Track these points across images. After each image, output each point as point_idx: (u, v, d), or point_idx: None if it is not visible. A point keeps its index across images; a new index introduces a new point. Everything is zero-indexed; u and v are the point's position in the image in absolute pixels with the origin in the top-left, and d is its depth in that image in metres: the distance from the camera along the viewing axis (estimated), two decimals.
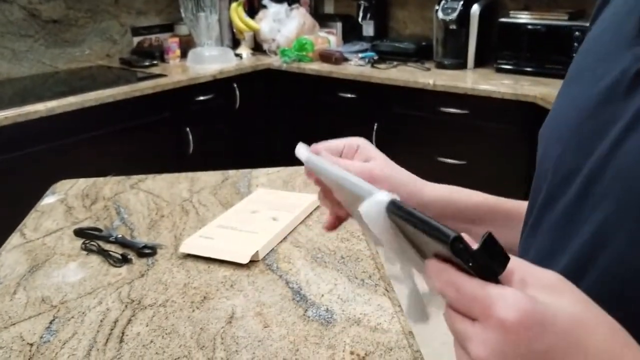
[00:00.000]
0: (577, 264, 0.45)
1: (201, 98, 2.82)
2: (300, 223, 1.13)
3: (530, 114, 2.35)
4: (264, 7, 3.35)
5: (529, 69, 2.62)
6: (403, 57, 2.98)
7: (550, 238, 0.50)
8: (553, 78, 2.50)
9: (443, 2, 2.76)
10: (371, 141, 2.92)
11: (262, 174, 1.39)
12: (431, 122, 2.63)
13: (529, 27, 2.54)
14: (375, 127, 2.80)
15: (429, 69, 2.81)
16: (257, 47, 3.35)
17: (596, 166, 0.46)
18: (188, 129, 2.78)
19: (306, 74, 3.00)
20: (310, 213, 1.17)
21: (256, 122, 3.15)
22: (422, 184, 0.67)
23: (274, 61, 3.13)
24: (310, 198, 1.19)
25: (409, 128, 2.72)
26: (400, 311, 0.84)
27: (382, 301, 0.86)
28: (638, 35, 0.46)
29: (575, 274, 0.42)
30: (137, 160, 2.56)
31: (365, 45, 3.19)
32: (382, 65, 2.89)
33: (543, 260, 0.50)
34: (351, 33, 3.34)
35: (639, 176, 0.42)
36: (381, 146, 2.69)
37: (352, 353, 0.75)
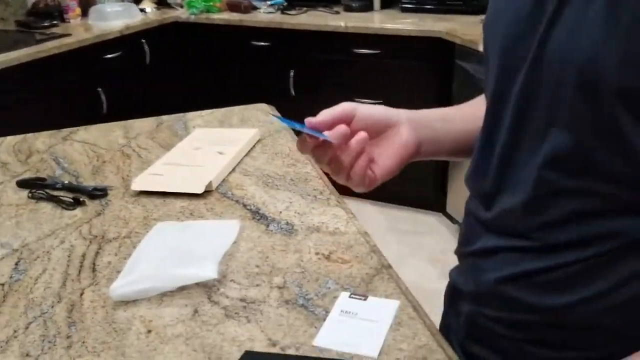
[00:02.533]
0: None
1: (109, 56, 2.73)
2: (245, 155, 1.17)
3: (437, 49, 2.47)
4: None
5: (431, 7, 2.74)
6: (311, 1, 3.01)
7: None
8: (454, 14, 2.64)
9: None
10: (288, 87, 2.96)
11: (196, 117, 1.41)
12: (345, 64, 2.71)
13: None
14: (291, 74, 2.84)
15: (338, 12, 2.87)
16: (161, 1, 3.26)
17: (536, 53, 0.55)
18: (100, 89, 2.69)
19: (216, 24, 2.97)
20: (254, 145, 1.21)
21: (169, 77, 3.10)
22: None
23: (181, 14, 3.07)
24: (250, 132, 1.23)
25: (325, 72, 2.78)
26: (353, 217, 0.92)
27: (335, 211, 0.94)
28: None
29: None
30: (51, 124, 2.46)
31: None
32: (292, 12, 2.91)
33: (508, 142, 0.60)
34: None
35: (572, 50, 0.51)
36: (299, 92, 2.77)
37: (317, 253, 0.82)
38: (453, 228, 2.77)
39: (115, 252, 0.86)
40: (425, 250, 2.65)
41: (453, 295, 0.75)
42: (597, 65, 0.49)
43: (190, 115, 1.42)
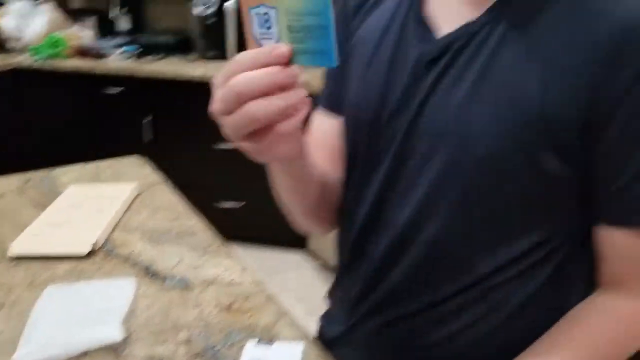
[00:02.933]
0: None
1: None
2: (126, 211, 1.17)
3: None
4: (2, 3, 3.08)
5: None
6: (164, 50, 3.03)
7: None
8: None
9: None
10: (140, 135, 2.92)
11: (65, 172, 1.38)
12: (203, 112, 2.74)
13: None
14: (146, 120, 2.81)
15: (193, 61, 2.92)
16: (0, 46, 3.07)
17: (408, 128, 0.67)
18: None
19: (63, 72, 2.86)
20: (133, 200, 1.22)
21: (5, 127, 2.90)
22: None
23: (23, 60, 2.92)
24: (128, 187, 1.24)
25: (182, 119, 2.80)
26: (246, 267, 0.98)
27: (227, 263, 0.99)
28: (419, 38, 0.68)
29: None
30: None
31: (123, 39, 3.15)
32: (148, 58, 2.90)
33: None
34: (105, 27, 3.26)
35: (443, 123, 0.63)
36: (156, 138, 2.77)
37: (217, 306, 0.86)
38: (316, 264, 2.89)
39: (4, 321, 0.83)
40: (290, 289, 2.74)
41: (325, 340, 0.84)
42: (464, 135, 0.62)
43: (59, 171, 1.38)
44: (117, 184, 1.29)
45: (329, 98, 0.85)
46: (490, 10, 0.65)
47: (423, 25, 0.69)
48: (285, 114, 0.54)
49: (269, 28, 0.55)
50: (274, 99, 0.53)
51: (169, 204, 1.21)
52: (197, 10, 2.89)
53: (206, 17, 2.89)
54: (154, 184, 1.31)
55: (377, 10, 0.78)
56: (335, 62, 0.53)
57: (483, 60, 0.63)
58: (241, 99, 0.53)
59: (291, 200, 0.82)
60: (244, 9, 0.56)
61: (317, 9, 0.51)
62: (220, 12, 2.88)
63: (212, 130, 2.77)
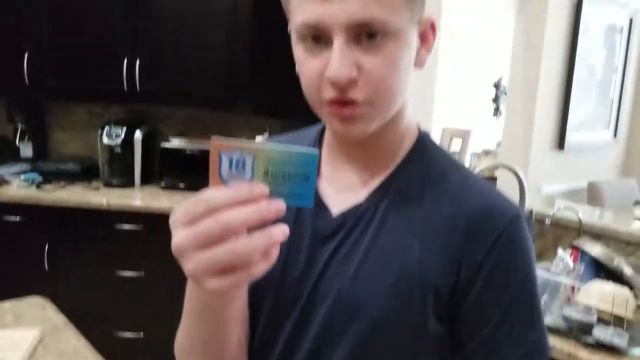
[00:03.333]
0: None
1: None
2: (30, 358, 1.19)
3: None
4: None
5: (186, 186, 3.02)
6: (69, 177, 3.05)
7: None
8: None
9: (107, 127, 2.99)
10: (43, 264, 2.88)
11: None
12: (107, 238, 2.76)
13: (187, 151, 2.96)
14: (46, 248, 2.77)
15: (98, 188, 2.96)
16: None
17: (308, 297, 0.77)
18: None
19: None
20: (36, 347, 1.23)
21: None
22: None
23: None
24: (29, 334, 1.25)
25: (85, 246, 2.79)
26: None
27: None
28: (315, 215, 0.80)
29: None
30: None
31: (25, 166, 3.15)
32: (49, 187, 2.91)
33: None
34: (6, 154, 3.25)
35: (336, 291, 0.75)
36: (54, 267, 2.79)
37: None
38: None
39: None
40: None
41: None
42: (355, 303, 0.74)
43: None
44: (19, 329, 1.30)
45: None
46: (372, 194, 0.77)
47: (318, 204, 0.80)
48: (265, 251, 0.56)
49: (240, 171, 0.58)
50: (256, 237, 0.55)
51: (73, 350, 1.24)
52: (105, 139, 2.98)
53: (114, 147, 2.98)
54: (57, 327, 1.33)
55: None
56: (311, 203, 0.59)
57: (369, 239, 0.76)
58: (226, 234, 0.55)
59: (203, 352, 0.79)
60: (214, 152, 0.58)
61: (304, 161, 0.57)
62: (127, 141, 2.98)
63: (114, 258, 2.78)
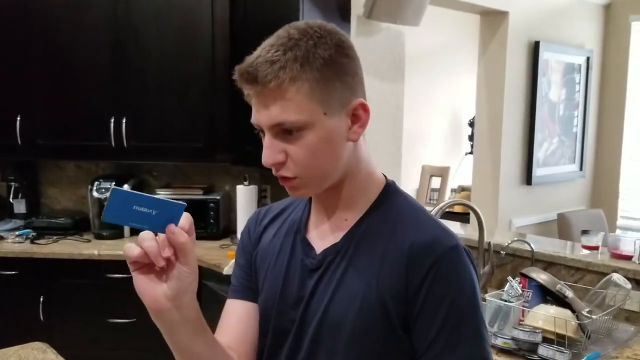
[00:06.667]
0: None
1: None
2: None
3: None
4: None
5: None
6: (61, 231, 3.21)
7: None
8: (199, 240, 3.10)
9: (97, 182, 3.17)
10: (38, 314, 3.03)
11: None
12: (99, 287, 2.91)
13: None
14: (41, 299, 2.91)
15: (89, 240, 3.12)
16: None
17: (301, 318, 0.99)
18: None
19: None
20: None
21: None
22: None
23: None
24: None
25: (78, 296, 2.93)
26: None
27: None
28: (304, 253, 1.02)
29: None
30: None
31: (19, 222, 3.31)
32: (42, 241, 3.07)
33: None
34: (1, 212, 3.41)
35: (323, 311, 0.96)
36: (49, 317, 2.96)
37: None
38: None
39: None
40: None
41: None
42: (333, 321, 0.95)
43: None
44: None
45: (241, 289, 1.11)
46: (345, 236, 0.99)
47: (306, 245, 1.03)
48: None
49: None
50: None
51: None
52: (95, 193, 3.15)
53: (103, 200, 3.15)
54: None
55: (269, 229, 1.11)
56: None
57: (343, 269, 0.97)
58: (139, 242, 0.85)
59: None
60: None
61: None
62: None
63: (106, 305, 2.91)
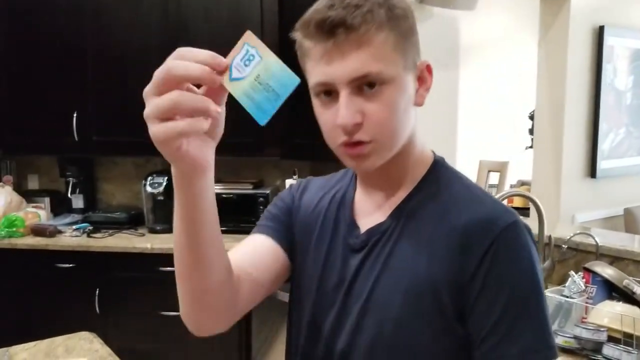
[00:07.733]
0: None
1: None
2: None
3: None
4: None
5: (227, 229, 3.18)
6: (116, 225, 3.27)
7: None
8: (247, 234, 3.10)
9: (150, 177, 3.21)
10: (94, 306, 3.08)
11: (20, 350, 1.54)
12: (151, 281, 2.94)
13: (223, 195, 3.14)
14: (97, 292, 2.97)
15: (143, 235, 3.17)
16: None
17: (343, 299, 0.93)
18: None
19: (18, 249, 3.04)
20: None
21: None
22: None
23: None
24: None
25: (131, 289, 2.98)
26: None
27: None
28: (348, 232, 0.96)
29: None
30: None
31: (77, 217, 3.40)
32: (98, 235, 3.13)
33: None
34: (60, 206, 3.51)
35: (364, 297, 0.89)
36: (105, 310, 3.02)
37: None
38: None
39: None
40: None
41: None
42: (378, 303, 0.88)
43: (14, 349, 1.54)
44: (69, 359, 1.46)
45: (273, 230, 1.05)
46: (391, 215, 0.92)
47: (351, 224, 0.96)
48: (201, 111, 0.66)
49: (246, 65, 0.68)
50: (198, 96, 0.66)
51: None
52: (148, 188, 3.20)
53: (156, 194, 3.19)
54: (103, 357, 1.48)
55: (313, 197, 1.04)
56: (263, 122, 0.68)
57: (388, 251, 0.90)
58: (172, 82, 0.66)
59: (189, 264, 0.89)
60: (241, 41, 0.70)
61: (286, 82, 0.67)
62: (168, 190, 3.19)
63: (158, 298, 2.94)
